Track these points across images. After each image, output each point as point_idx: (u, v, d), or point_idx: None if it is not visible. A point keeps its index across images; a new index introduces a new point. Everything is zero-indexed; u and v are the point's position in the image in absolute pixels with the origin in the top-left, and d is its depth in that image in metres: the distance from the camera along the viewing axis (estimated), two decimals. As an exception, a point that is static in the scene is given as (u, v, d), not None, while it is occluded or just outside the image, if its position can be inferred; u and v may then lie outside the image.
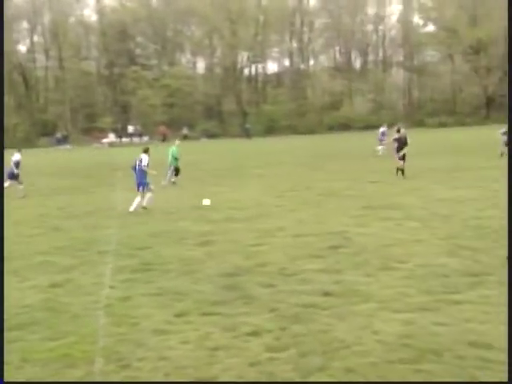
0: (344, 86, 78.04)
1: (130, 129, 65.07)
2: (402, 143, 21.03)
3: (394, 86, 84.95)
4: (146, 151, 16.00)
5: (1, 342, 5.87)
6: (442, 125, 70.27)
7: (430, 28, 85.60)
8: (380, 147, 30.45)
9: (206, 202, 16.43)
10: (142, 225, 13.63)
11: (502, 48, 78.94)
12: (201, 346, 6.15)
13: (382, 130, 32.00)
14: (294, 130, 67.96)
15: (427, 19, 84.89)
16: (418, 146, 39.15)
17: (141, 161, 15.72)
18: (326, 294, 7.66)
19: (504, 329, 6.05)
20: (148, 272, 9.26)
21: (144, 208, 15.53)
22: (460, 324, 6.35)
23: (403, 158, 20.76)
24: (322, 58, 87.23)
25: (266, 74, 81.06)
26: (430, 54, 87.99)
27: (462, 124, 67.53)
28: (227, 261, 9.72)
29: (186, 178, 22.76)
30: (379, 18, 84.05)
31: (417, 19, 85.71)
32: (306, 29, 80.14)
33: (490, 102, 78.42)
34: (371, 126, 66.80)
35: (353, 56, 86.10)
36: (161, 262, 9.88)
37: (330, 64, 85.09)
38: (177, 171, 22.44)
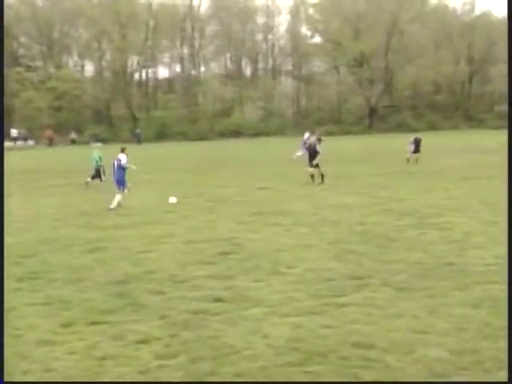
0: (235, 93, 78.85)
1: (14, 132, 61.99)
2: (312, 151, 21.36)
3: (283, 94, 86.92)
4: (123, 150, 16.85)
5: (1, 341, 5.77)
6: (329, 133, 72.66)
7: (317, 39, 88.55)
8: (300, 153, 30.32)
9: (173, 199, 16.70)
10: (27, 231, 13.03)
11: (383, 61, 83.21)
12: (88, 356, 5.97)
13: (306, 135, 32.31)
14: (185, 136, 67.76)
15: (314, 31, 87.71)
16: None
17: (120, 160, 16.44)
18: (217, 299, 7.68)
19: (388, 329, 6.36)
20: (34, 281, 8.88)
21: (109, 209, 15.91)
22: (345, 326, 6.57)
23: (316, 165, 20.94)
24: (213, 65, 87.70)
25: (156, 79, 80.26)
26: (317, 65, 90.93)
27: (347, 133, 70.24)
28: (116, 268, 9.49)
29: (75, 184, 22.05)
30: (268, 28, 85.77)
31: (305, 30, 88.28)
32: (196, 35, 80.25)
33: (372, 113, 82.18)
34: (260, 133, 68.13)
35: (243, 64, 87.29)
36: (48, 270, 9.49)
37: (221, 71, 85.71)
38: (95, 175, 22.05)
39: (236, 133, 69.61)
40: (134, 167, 17.03)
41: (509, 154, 16.15)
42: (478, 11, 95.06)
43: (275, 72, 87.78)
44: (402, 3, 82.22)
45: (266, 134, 68.20)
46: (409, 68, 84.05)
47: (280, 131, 72.68)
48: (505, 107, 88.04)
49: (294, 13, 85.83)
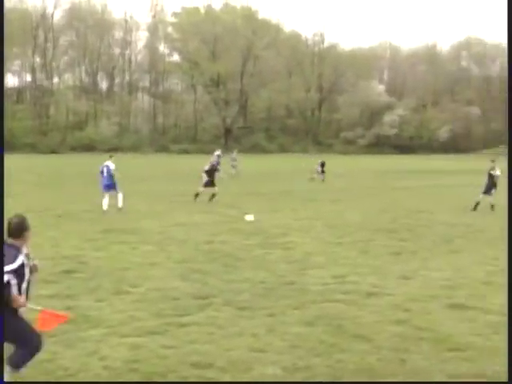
0: (90, 106, 76.66)
1: None
2: (212, 170, 21.39)
3: (139, 110, 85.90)
4: (111, 157, 18.91)
5: (0, 342, 5.21)
6: (185, 151, 72.95)
7: (176, 58, 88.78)
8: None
9: (250, 217, 16.50)
10: None
11: (239, 83, 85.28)
12: None
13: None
14: (34, 148, 64.60)
15: (173, 49, 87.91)
16: (159, 171, 40.01)
17: (108, 166, 18.39)
18: (54, 321, 7.31)
19: (227, 348, 6.43)
20: None
21: (120, 209, 17.79)
22: (186, 346, 6.54)
23: (211, 183, 21.02)
24: (68, 77, 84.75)
25: (5, 88, 75.85)
26: (175, 83, 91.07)
27: (203, 151, 70.86)
28: None
29: None
30: (126, 43, 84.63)
31: (163, 47, 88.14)
32: (49, 44, 77.11)
33: (227, 133, 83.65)
34: (115, 149, 66.71)
35: (99, 77, 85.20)
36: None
37: (75, 83, 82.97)
38: None
39: (89, 147, 67.57)
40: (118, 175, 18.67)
41: (509, 161, 17.27)
42: (326, 43, 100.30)
43: (132, 88, 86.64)
44: (257, 29, 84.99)
45: (121, 149, 66.89)
46: (263, 92, 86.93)
47: (135, 148, 71.68)
48: (349, 134, 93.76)
49: (153, 30, 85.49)
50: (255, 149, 74.98)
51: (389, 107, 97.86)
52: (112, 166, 18.44)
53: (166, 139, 79.23)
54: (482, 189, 20.07)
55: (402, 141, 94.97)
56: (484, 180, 20.25)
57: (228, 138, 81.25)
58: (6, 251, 5.09)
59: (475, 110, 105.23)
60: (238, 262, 10.85)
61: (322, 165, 33.07)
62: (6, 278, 4.95)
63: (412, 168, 51.25)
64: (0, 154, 12.22)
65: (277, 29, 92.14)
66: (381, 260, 11.27)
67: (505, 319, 7.52)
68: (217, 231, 14.48)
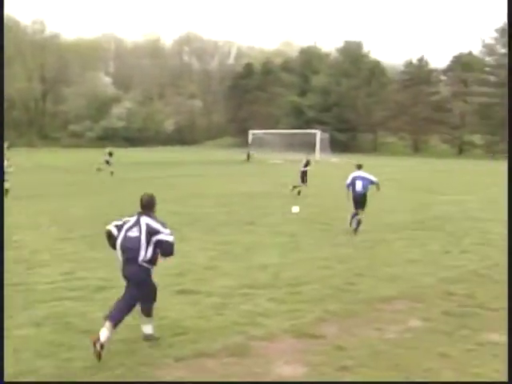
0: None
1: None
2: None
3: None
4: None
5: (1, 341, 5.71)
6: None
7: None
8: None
9: (295, 209, 16.84)
10: None
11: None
12: None
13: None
14: None
15: None
16: None
17: None
18: None
19: None
20: None
21: None
22: None
23: None
24: None
25: None
26: None
27: None
28: None
29: None
30: None
31: None
32: None
33: None
34: None
35: None
36: None
37: None
38: None
39: None
40: None
41: (509, 160, 17.27)
42: (48, 32, 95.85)
43: None
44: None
45: None
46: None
47: None
48: (77, 127, 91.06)
49: None
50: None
51: (116, 100, 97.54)
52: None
53: None
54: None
55: (131, 133, 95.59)
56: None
57: None
58: (157, 219, 6.46)
59: (197, 103, 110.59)
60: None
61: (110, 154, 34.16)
62: (171, 238, 6.36)
63: (141, 160, 51.96)
64: (0, 152, 9.92)
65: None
66: (109, 253, 11.20)
67: (224, 301, 8.14)
68: None
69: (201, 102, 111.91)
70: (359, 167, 14.73)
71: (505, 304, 7.59)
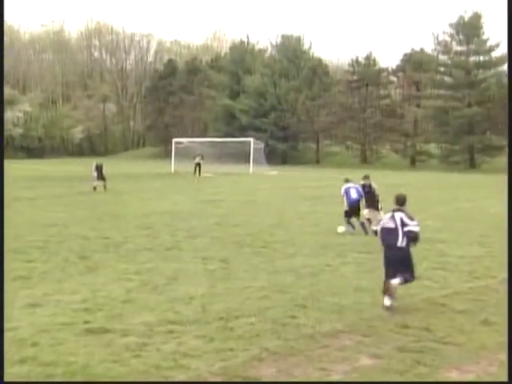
0: None
1: None
2: None
3: None
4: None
5: (1, 341, 6.59)
6: None
7: None
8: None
9: (341, 229, 18.14)
10: None
11: None
12: None
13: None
14: None
15: None
16: None
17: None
18: None
19: None
20: None
21: None
22: None
23: None
24: None
25: None
26: None
27: None
28: None
29: None
30: None
31: None
32: None
33: None
34: None
35: None
36: None
37: None
38: None
39: None
40: None
41: (509, 166, 16.77)
42: None
43: None
44: None
45: None
46: None
47: None
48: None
49: None
50: None
51: (11, 102, 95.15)
52: None
53: None
54: None
55: (30, 142, 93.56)
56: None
57: None
58: (407, 212, 10.16)
59: (111, 107, 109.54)
60: None
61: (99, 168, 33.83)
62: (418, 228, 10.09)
63: (40, 174, 50.82)
64: (0, 153, 9.75)
65: None
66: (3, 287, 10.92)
67: (143, 340, 8.06)
68: None
69: (115, 105, 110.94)
70: (347, 180, 18.82)
71: (467, 338, 7.84)
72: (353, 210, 18.25)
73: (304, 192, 34.46)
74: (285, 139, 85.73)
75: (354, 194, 18.14)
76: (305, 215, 22.93)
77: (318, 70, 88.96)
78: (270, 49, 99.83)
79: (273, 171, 56.66)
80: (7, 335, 8.10)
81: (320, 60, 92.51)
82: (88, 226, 19.27)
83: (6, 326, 8.53)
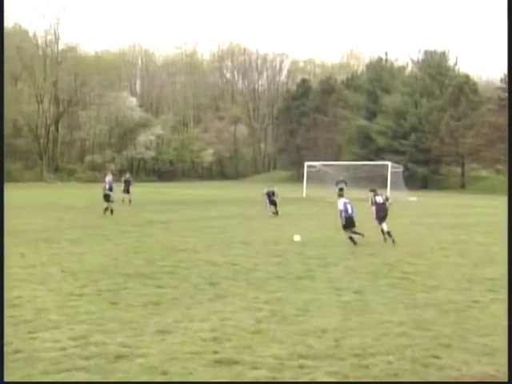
0: None
1: None
2: None
3: None
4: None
5: (1, 341, 6.83)
6: None
7: None
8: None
9: (297, 237, 21.72)
10: None
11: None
12: None
13: (108, 178, 35.98)
14: None
15: None
16: None
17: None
18: None
19: None
20: None
21: None
22: None
23: None
24: None
25: None
26: None
27: None
28: None
29: None
30: None
31: None
32: None
33: None
34: None
35: None
36: None
37: None
38: None
39: None
40: None
41: (509, 170, 17.86)
42: (62, 43, 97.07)
43: None
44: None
45: None
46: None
47: None
48: (96, 157, 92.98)
49: None
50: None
51: (144, 125, 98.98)
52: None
53: None
54: None
55: (162, 165, 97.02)
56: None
57: None
58: None
59: (242, 129, 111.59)
60: None
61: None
62: None
63: (172, 198, 52.51)
64: (0, 158, 11.35)
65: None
66: (133, 313, 11.29)
67: (274, 374, 8.05)
68: None
69: (246, 127, 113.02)
70: (341, 195, 22.55)
71: None
72: (350, 224, 21.43)
73: (447, 219, 33.47)
74: (425, 162, 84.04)
75: (350, 210, 21.51)
76: (448, 245, 22.22)
77: (464, 88, 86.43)
78: (410, 65, 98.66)
79: (412, 197, 55.55)
80: (138, 362, 8.37)
81: (467, 76, 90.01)
82: (216, 251, 19.64)
83: (137, 352, 8.81)
